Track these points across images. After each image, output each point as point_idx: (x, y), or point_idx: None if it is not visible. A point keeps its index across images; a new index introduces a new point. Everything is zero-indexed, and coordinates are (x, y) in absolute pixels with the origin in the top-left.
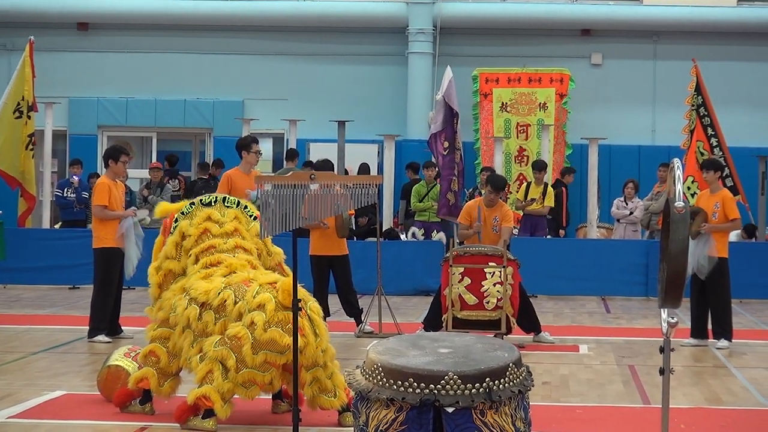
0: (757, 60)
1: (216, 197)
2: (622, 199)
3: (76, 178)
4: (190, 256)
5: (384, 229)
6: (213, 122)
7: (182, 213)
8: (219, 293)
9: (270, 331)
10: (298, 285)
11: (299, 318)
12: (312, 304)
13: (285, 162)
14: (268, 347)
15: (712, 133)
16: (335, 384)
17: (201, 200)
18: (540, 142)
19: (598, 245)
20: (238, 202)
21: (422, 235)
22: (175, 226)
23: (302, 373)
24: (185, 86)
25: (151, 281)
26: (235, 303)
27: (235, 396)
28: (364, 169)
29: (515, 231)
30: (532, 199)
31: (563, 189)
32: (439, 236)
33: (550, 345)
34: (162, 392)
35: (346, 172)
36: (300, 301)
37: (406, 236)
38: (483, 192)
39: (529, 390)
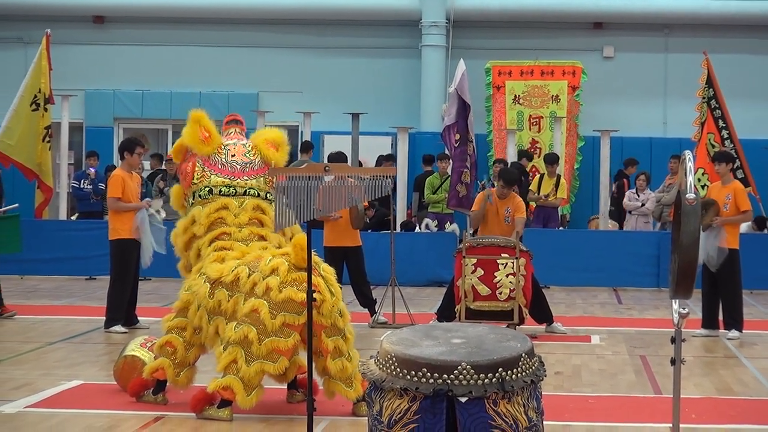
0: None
1: (242, 190)
2: (634, 190)
3: (92, 170)
4: (203, 239)
5: (401, 221)
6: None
7: (199, 196)
8: (233, 270)
9: (285, 291)
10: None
11: (313, 276)
12: (325, 266)
13: (300, 154)
14: (285, 308)
15: (723, 125)
16: (353, 375)
17: (221, 190)
18: (552, 134)
19: (609, 236)
20: (261, 193)
21: (435, 226)
22: (191, 206)
23: (323, 338)
24: (200, 79)
25: (176, 242)
26: (249, 276)
27: (265, 380)
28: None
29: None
30: (546, 195)
31: (624, 181)
32: (452, 228)
33: (562, 335)
34: (179, 383)
35: (360, 165)
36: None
37: (420, 228)
38: (495, 184)
39: (542, 380)
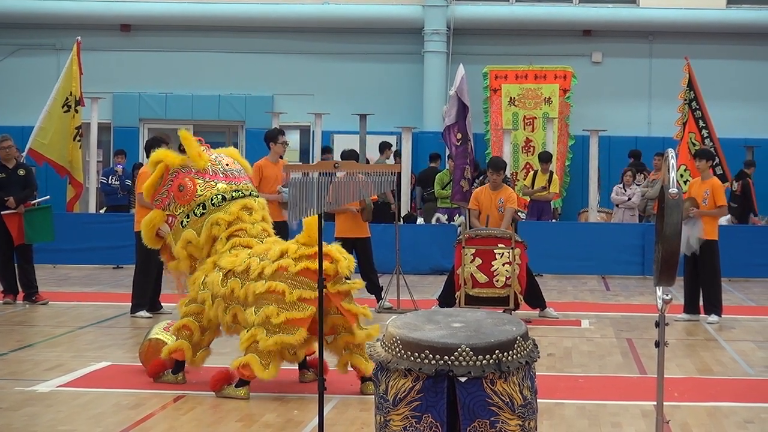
0: (744, 58)
1: (247, 192)
2: (621, 186)
3: (119, 167)
4: (220, 240)
5: (404, 214)
6: (245, 116)
7: (212, 204)
8: (244, 261)
9: (300, 263)
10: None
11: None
12: (331, 244)
13: (379, 155)
14: (301, 284)
15: (703, 125)
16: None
17: (233, 195)
18: (545, 133)
19: (598, 228)
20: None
21: (446, 220)
22: (204, 216)
23: (346, 305)
24: (219, 82)
25: (181, 263)
26: (259, 263)
27: (280, 353)
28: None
29: (522, 215)
30: (543, 187)
31: (749, 180)
32: (460, 220)
33: (554, 320)
34: (195, 363)
35: (367, 162)
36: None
37: (431, 221)
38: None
39: (535, 361)
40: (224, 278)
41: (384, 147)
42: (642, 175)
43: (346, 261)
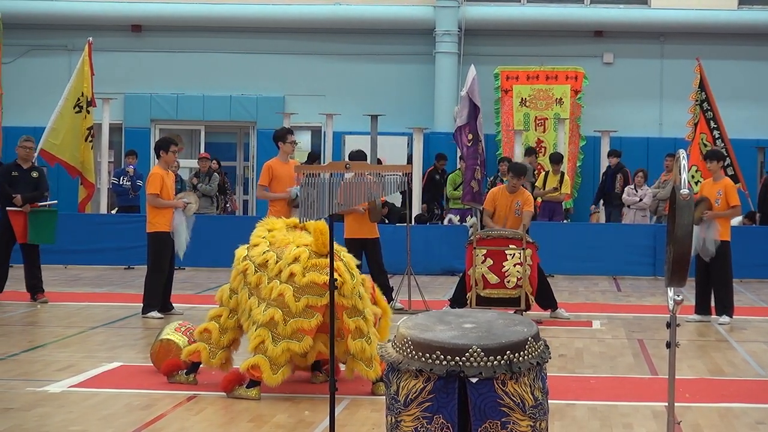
0: (756, 59)
1: None
2: (632, 186)
3: (131, 168)
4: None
5: (415, 215)
6: (256, 116)
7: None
8: (264, 253)
9: (308, 275)
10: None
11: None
12: (345, 253)
13: (524, 158)
14: (308, 291)
15: (715, 126)
16: (373, 356)
17: None
18: (556, 134)
19: (609, 229)
20: None
21: (458, 221)
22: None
23: (344, 319)
24: (231, 83)
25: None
26: (276, 263)
27: (290, 360)
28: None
29: None
30: (554, 188)
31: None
32: (472, 221)
33: (565, 321)
34: (213, 363)
35: (379, 162)
36: (335, 274)
37: (443, 223)
38: (504, 180)
39: (547, 362)
40: (244, 258)
41: (530, 152)
42: (621, 177)
43: (353, 282)
